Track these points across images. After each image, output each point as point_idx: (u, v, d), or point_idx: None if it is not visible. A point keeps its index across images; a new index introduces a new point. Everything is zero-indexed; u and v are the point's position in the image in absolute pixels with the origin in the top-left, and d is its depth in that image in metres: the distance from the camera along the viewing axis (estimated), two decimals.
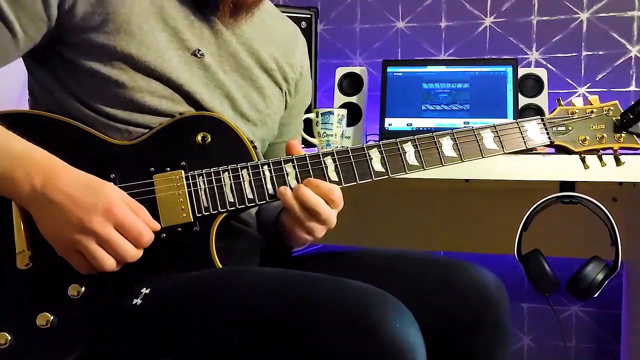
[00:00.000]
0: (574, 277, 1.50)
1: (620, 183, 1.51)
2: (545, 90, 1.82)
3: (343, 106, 1.88)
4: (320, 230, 0.93)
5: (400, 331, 0.71)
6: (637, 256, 1.81)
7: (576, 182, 1.46)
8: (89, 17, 0.89)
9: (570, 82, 1.98)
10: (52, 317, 0.84)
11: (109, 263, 0.81)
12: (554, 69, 1.98)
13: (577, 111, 1.02)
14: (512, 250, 1.53)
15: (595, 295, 1.49)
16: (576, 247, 1.84)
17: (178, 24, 0.95)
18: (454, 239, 2.00)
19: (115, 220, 0.80)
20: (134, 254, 0.82)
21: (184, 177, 0.89)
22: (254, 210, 1.08)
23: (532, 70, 1.87)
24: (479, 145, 0.97)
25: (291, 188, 0.91)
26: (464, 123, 1.81)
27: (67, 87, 0.92)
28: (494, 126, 0.98)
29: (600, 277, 1.48)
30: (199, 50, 0.96)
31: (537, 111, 1.82)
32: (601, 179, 1.33)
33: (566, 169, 1.36)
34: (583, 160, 1.02)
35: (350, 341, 0.70)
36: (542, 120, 1.00)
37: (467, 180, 1.77)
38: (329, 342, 0.71)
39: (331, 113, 1.68)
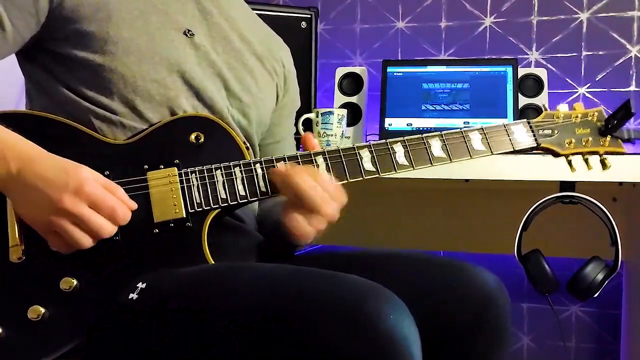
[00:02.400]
0: (574, 277, 1.50)
1: (620, 183, 1.51)
2: (545, 90, 1.82)
3: (343, 106, 1.88)
4: (318, 221, 0.90)
5: (394, 322, 0.72)
6: (637, 256, 1.81)
7: (576, 182, 1.46)
8: (79, 9, 0.91)
9: (570, 82, 1.98)
10: (43, 311, 0.84)
11: (84, 241, 0.81)
12: (554, 69, 1.98)
13: (562, 116, 1.05)
14: (512, 250, 1.53)
15: (595, 295, 1.49)
16: (576, 247, 1.84)
17: (168, 6, 0.98)
18: (454, 239, 2.00)
19: (88, 198, 0.80)
20: (109, 229, 0.82)
21: (177, 173, 0.90)
22: (249, 208, 1.08)
23: (532, 70, 1.87)
24: (467, 146, 0.99)
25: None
26: (464, 123, 1.81)
27: (61, 80, 0.93)
28: (482, 128, 1.00)
29: (600, 277, 1.48)
30: (189, 30, 0.98)
31: (537, 111, 1.81)
32: (601, 179, 1.34)
33: (566, 169, 1.36)
34: (569, 163, 1.05)
35: (345, 334, 0.71)
36: (529, 123, 1.03)
37: (467, 180, 1.77)
38: (324, 336, 0.71)
39: (331, 113, 1.68)
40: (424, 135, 0.98)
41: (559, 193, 1.48)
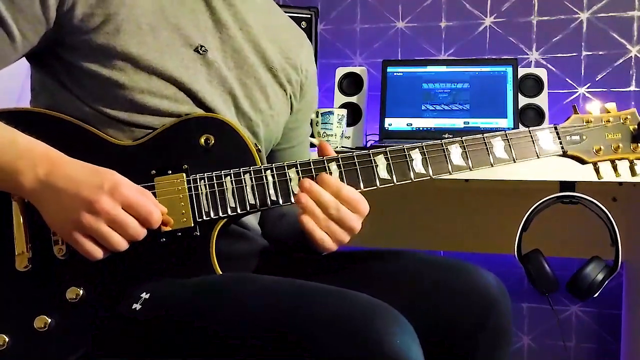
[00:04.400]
0: (574, 277, 1.50)
1: (620, 183, 1.51)
2: (545, 90, 1.82)
3: (343, 106, 1.88)
4: (341, 234, 0.89)
5: (401, 347, 0.71)
6: (637, 256, 1.81)
7: (576, 182, 1.46)
8: (89, 19, 0.88)
9: (570, 82, 1.98)
10: (49, 320, 0.84)
11: (122, 243, 0.81)
12: (554, 69, 1.98)
13: (592, 119, 0.98)
14: (512, 250, 1.53)
15: (595, 295, 1.49)
16: (576, 247, 1.84)
17: (180, 20, 0.94)
18: (454, 239, 2.00)
19: (123, 200, 0.80)
20: (142, 234, 0.82)
21: (185, 180, 0.88)
22: (254, 219, 1.07)
23: (532, 70, 1.87)
24: (489, 154, 0.94)
25: (299, 190, 0.90)
26: (464, 123, 1.81)
27: (67, 87, 0.91)
28: (505, 134, 0.95)
29: (600, 277, 1.48)
30: (201, 46, 0.95)
31: (537, 111, 1.82)
32: (601, 179, 1.33)
33: (566, 169, 1.36)
34: (597, 170, 0.99)
35: (351, 357, 0.70)
36: (556, 129, 0.97)
37: (467, 180, 1.77)
38: (328, 356, 0.70)
39: (331, 113, 1.68)
40: (443, 141, 0.93)
41: (559, 193, 1.48)
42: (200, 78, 0.94)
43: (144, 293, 0.83)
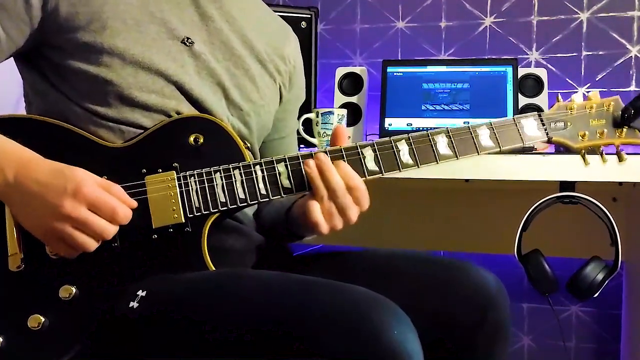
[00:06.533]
0: (574, 277, 1.50)
1: (620, 183, 1.50)
2: (545, 90, 1.82)
3: (343, 106, 1.88)
4: (337, 219, 0.90)
5: (398, 338, 0.71)
6: (637, 256, 1.81)
7: (576, 182, 1.46)
8: (73, 17, 0.89)
9: (570, 82, 1.98)
10: (43, 319, 0.84)
11: (89, 243, 0.81)
12: (554, 69, 1.98)
13: (575, 107, 1.00)
14: (512, 250, 1.53)
15: (595, 295, 1.49)
16: (576, 247, 1.84)
17: (165, 14, 0.95)
18: (454, 239, 2.00)
19: (86, 200, 0.80)
20: (111, 230, 0.82)
21: (175, 177, 0.89)
22: (249, 210, 1.07)
23: (532, 70, 1.87)
24: (474, 142, 0.96)
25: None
26: (464, 123, 1.80)
27: (57, 88, 0.92)
28: (490, 123, 0.97)
29: (600, 277, 1.48)
30: (188, 38, 0.96)
31: (537, 111, 1.81)
32: (601, 179, 1.33)
33: (566, 169, 1.36)
34: (583, 156, 1.00)
35: (349, 349, 0.70)
36: (540, 116, 0.99)
37: (467, 180, 1.76)
38: (327, 351, 0.71)
39: (331, 113, 1.68)
40: (430, 132, 0.95)
41: (559, 193, 1.48)
42: (188, 70, 0.95)
43: (141, 291, 0.84)
